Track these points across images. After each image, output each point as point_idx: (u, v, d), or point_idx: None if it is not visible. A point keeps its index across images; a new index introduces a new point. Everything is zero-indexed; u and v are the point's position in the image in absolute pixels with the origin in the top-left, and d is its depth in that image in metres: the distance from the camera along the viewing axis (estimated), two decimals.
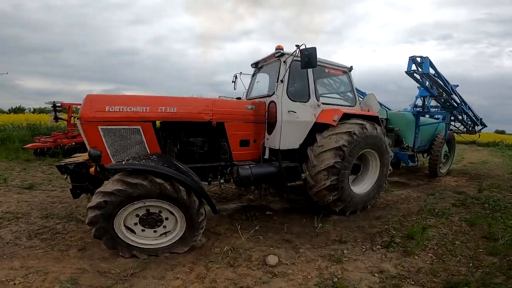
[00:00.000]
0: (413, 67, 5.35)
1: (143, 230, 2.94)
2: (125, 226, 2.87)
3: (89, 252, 3.06)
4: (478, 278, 2.74)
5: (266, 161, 4.19)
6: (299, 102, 4.10)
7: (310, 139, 4.19)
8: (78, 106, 7.78)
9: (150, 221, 2.90)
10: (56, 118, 9.37)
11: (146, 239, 2.97)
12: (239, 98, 4.64)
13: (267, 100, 4.15)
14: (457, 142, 16.81)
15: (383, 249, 3.34)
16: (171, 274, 2.71)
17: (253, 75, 5.19)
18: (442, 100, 6.49)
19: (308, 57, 3.49)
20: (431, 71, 5.47)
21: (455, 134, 8.61)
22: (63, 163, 3.35)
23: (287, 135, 3.98)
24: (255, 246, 3.35)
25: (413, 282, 2.69)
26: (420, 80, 5.77)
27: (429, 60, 5.21)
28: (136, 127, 3.33)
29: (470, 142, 16.58)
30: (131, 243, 2.89)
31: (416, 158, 7.01)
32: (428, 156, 7.66)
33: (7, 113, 25.22)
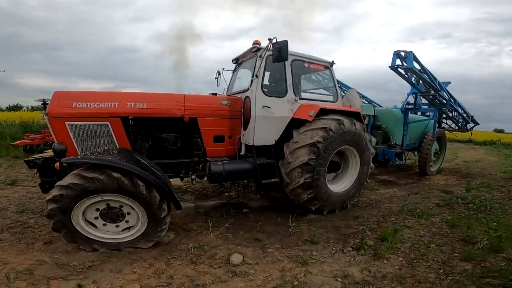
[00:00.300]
0: (398, 61, 5.23)
1: (104, 225, 2.93)
2: (86, 220, 2.85)
3: (54, 245, 3.06)
4: (445, 286, 2.59)
5: (242, 158, 4.13)
6: (275, 97, 4.03)
7: (288, 135, 4.10)
8: None
9: (111, 215, 2.88)
10: None
11: (107, 233, 2.95)
12: (214, 94, 4.58)
13: (243, 95, 4.10)
14: (454, 141, 16.56)
15: (353, 251, 3.21)
16: (129, 268, 2.68)
17: (234, 70, 5.13)
18: (430, 96, 6.36)
19: (279, 50, 3.44)
20: (417, 66, 5.35)
21: (446, 132, 8.46)
22: (31, 158, 3.38)
23: (262, 131, 3.92)
24: (223, 244, 3.29)
25: None
26: (406, 75, 5.64)
27: (413, 54, 5.09)
28: (104, 122, 3.35)
29: (467, 141, 16.36)
30: (91, 237, 2.87)
31: (403, 156, 6.87)
32: (418, 154, 7.53)
33: (3, 111, 25.40)
